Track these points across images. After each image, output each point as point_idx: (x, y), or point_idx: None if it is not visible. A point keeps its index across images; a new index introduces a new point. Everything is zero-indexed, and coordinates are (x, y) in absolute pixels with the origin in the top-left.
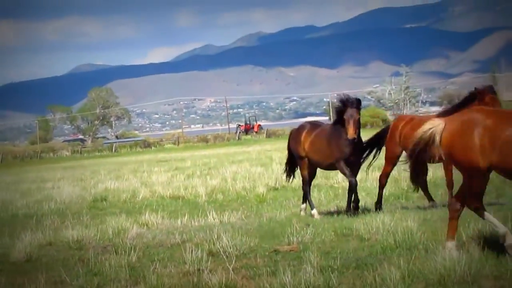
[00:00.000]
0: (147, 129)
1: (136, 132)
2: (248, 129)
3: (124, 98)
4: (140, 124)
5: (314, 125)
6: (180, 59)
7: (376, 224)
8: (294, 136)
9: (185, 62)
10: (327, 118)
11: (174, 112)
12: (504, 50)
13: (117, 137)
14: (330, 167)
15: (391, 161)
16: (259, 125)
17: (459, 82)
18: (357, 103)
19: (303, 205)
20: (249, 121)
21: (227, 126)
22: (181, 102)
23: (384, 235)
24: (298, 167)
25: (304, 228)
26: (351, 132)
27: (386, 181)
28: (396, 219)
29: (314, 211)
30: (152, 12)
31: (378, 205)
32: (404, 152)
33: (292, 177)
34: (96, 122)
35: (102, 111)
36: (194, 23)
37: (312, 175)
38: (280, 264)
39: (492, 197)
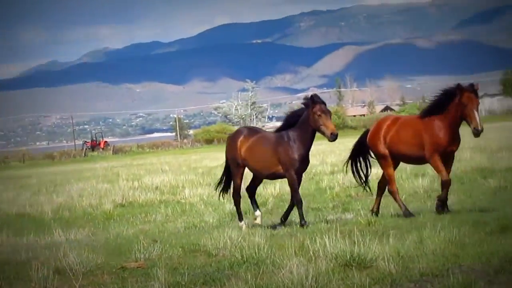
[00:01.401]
0: None
1: None
2: (94, 146)
3: None
4: None
5: (253, 130)
6: (24, 76)
7: (223, 239)
8: (230, 142)
9: (30, 79)
10: (173, 134)
11: (19, 129)
12: (350, 65)
13: None
14: (272, 176)
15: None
16: (106, 141)
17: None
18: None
19: (241, 223)
20: (95, 138)
21: (73, 143)
22: (26, 119)
23: (232, 251)
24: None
25: (152, 245)
26: (332, 127)
27: (386, 185)
28: (244, 234)
29: (258, 213)
30: None
31: (375, 211)
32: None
33: (228, 190)
34: None
35: None
36: (39, 39)
37: (257, 184)
38: (128, 281)
39: (338, 212)
